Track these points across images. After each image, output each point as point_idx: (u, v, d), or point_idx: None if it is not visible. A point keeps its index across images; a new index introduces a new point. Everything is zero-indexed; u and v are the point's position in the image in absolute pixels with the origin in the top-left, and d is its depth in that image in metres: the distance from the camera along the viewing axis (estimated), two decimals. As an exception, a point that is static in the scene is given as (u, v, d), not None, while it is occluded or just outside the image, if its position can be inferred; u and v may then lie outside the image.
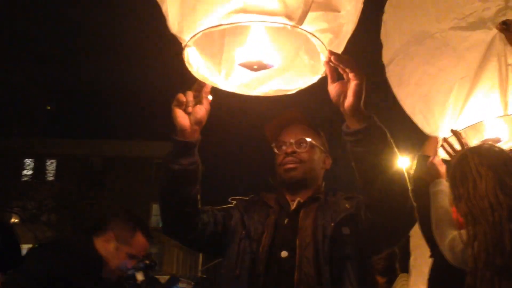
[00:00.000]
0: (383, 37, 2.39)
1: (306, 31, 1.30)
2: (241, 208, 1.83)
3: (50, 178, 29.68)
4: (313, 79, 1.46)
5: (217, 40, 1.46)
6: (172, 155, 1.60)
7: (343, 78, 1.43)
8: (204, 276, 21.79)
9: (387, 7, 2.35)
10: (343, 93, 1.42)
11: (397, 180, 1.50)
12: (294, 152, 1.82)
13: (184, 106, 1.55)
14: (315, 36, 1.32)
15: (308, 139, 1.84)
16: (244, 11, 1.23)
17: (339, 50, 1.43)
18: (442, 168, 2.25)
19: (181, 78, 1.62)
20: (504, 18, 2.05)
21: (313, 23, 1.30)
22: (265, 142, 1.96)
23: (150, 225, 31.76)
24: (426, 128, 2.37)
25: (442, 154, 2.30)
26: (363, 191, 1.58)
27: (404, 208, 1.52)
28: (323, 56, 1.37)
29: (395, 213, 1.52)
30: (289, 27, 1.26)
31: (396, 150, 1.49)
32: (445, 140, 2.26)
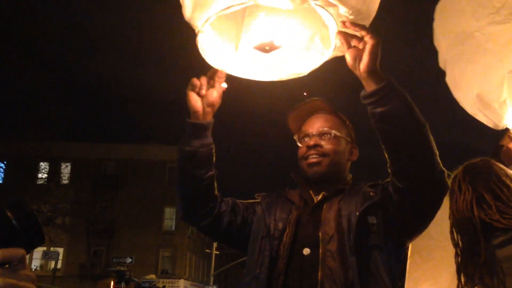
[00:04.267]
0: (435, 43, 2.37)
1: (315, 7, 1.34)
2: (264, 204, 1.77)
3: (65, 182, 30.00)
4: (325, 56, 1.51)
5: (232, 24, 1.49)
6: (184, 137, 1.65)
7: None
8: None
9: (435, 14, 2.33)
10: (359, 57, 1.41)
11: (422, 140, 1.42)
12: (317, 145, 1.72)
13: (197, 89, 1.61)
14: (324, 8, 1.35)
15: (332, 131, 1.74)
16: None
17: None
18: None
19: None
20: None
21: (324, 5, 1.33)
22: (289, 133, 1.87)
23: (162, 228, 31.97)
24: (491, 124, 2.31)
25: None
26: (389, 157, 1.49)
27: (433, 172, 1.44)
28: (335, 27, 1.41)
29: (424, 177, 1.45)
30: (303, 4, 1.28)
31: (418, 110, 1.43)
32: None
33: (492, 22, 2.09)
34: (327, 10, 1.35)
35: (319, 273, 1.51)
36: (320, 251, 1.54)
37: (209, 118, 1.66)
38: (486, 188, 1.88)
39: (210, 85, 1.62)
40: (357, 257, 1.50)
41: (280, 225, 1.66)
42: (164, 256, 30.92)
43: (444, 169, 1.46)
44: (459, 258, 1.90)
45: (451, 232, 1.96)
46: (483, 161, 2.01)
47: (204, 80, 1.61)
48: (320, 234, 1.57)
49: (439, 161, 1.44)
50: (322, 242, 1.56)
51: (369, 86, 1.42)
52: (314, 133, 1.75)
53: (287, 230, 1.63)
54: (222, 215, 1.72)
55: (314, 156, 1.72)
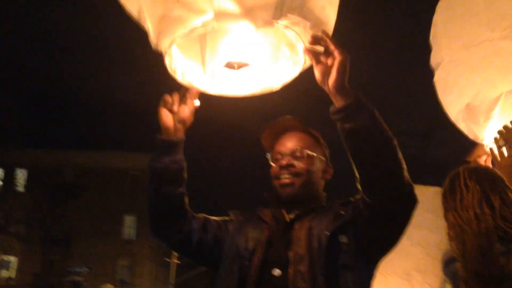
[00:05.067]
0: (432, 39, 2.27)
1: (281, 27, 1.40)
2: (236, 223, 1.75)
3: (20, 189, 29.01)
4: (295, 71, 1.55)
5: (199, 44, 1.56)
6: (155, 154, 1.68)
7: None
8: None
9: (438, 8, 2.23)
10: (327, 72, 1.42)
11: (390, 156, 1.43)
12: (289, 164, 1.70)
13: (169, 106, 1.66)
14: (289, 28, 1.41)
15: (305, 150, 1.72)
16: (215, 19, 1.36)
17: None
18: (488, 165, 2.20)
19: (161, 88, 1.72)
20: None
21: (289, 18, 1.39)
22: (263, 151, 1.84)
23: (121, 237, 31.21)
24: (472, 135, 2.27)
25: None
26: (358, 173, 1.49)
27: (402, 187, 1.45)
28: (302, 45, 1.46)
29: (393, 193, 1.45)
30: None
31: (386, 126, 1.44)
32: (490, 148, 2.18)
33: (508, 36, 1.98)
34: (292, 29, 1.41)
35: None
36: (291, 272, 1.51)
37: (180, 135, 1.68)
38: (494, 190, 1.83)
39: (182, 102, 1.66)
40: (327, 278, 1.49)
41: (251, 245, 1.62)
42: (122, 265, 30.26)
43: (412, 183, 1.47)
44: (467, 259, 1.79)
45: (450, 235, 1.89)
46: (486, 167, 1.99)
47: (176, 96, 1.65)
48: (290, 254, 1.55)
49: (408, 175, 1.46)
50: (292, 263, 1.53)
51: (338, 102, 1.43)
52: (287, 152, 1.72)
53: (258, 250, 1.60)
54: (193, 232, 1.71)
55: (287, 176, 1.69)
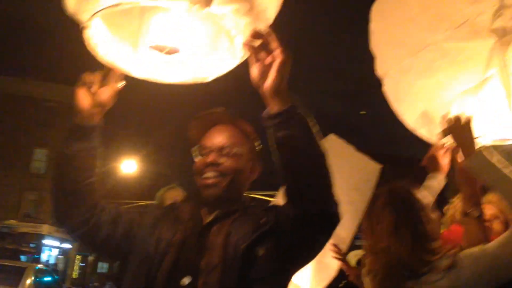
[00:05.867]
0: (373, 48, 2.18)
1: (217, 14, 1.27)
2: (152, 218, 1.61)
3: None
4: (232, 64, 1.45)
5: (128, 20, 1.41)
6: (65, 137, 1.52)
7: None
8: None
9: (373, 15, 2.14)
10: (265, 72, 1.30)
11: (319, 171, 1.37)
12: (215, 162, 1.57)
13: (88, 86, 1.48)
14: (226, 16, 1.29)
15: (234, 147, 1.60)
16: None
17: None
18: (444, 161, 2.19)
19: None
20: (500, 22, 1.85)
21: (225, 5, 1.27)
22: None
23: (30, 170, 29.78)
24: (433, 139, 2.21)
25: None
26: (285, 183, 1.41)
27: (327, 204, 1.40)
28: (242, 38, 1.34)
29: (317, 208, 1.39)
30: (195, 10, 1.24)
31: (321, 136, 1.37)
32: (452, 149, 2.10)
33: (451, 37, 1.93)
34: (231, 19, 1.29)
35: None
36: (200, 282, 1.41)
37: (97, 120, 1.51)
38: (408, 221, 1.80)
39: (104, 83, 1.48)
40: None
41: (162, 246, 1.49)
42: (29, 199, 29.06)
43: (337, 201, 1.42)
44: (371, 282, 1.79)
45: (363, 262, 1.88)
46: (406, 190, 1.92)
47: (97, 76, 1.48)
48: (202, 263, 1.44)
49: (334, 193, 1.41)
50: (203, 272, 1.42)
51: (272, 107, 1.33)
52: (213, 148, 1.60)
53: (168, 254, 1.47)
54: (100, 226, 1.55)
55: (211, 175, 1.57)
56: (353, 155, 3.05)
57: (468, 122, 1.85)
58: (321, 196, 1.38)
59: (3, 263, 10.30)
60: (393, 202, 1.85)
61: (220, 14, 1.28)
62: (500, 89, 1.92)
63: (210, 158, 1.58)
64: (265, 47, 1.30)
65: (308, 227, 1.42)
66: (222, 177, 1.56)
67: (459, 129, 1.85)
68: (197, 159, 1.62)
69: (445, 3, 1.97)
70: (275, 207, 1.57)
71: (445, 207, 2.66)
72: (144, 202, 16.84)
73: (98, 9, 1.24)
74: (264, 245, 1.46)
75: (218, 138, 1.62)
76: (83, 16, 1.29)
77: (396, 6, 2.08)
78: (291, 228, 1.44)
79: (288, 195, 1.43)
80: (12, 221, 18.81)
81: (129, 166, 20.29)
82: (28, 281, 9.38)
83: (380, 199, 1.88)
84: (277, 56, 1.28)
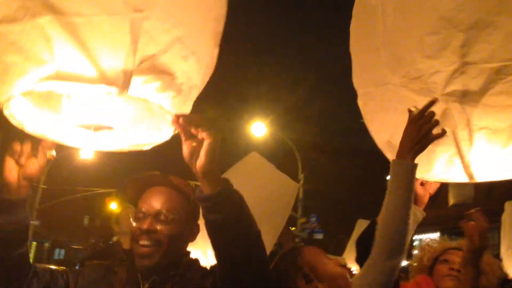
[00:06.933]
0: (352, 60, 2.07)
1: (135, 97, 1.23)
2: (87, 283, 1.57)
3: None
4: (168, 134, 1.41)
5: (56, 101, 1.35)
6: None
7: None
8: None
9: (351, 34, 2.04)
10: (196, 153, 1.30)
11: (252, 250, 1.36)
12: (150, 230, 1.54)
13: (16, 157, 1.39)
14: (147, 101, 1.26)
15: (170, 214, 1.57)
16: (57, 77, 1.15)
17: (186, 105, 1.39)
18: (422, 192, 2.10)
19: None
20: (455, 85, 1.67)
21: (146, 84, 1.23)
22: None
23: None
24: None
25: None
26: (216, 258, 1.41)
27: (261, 280, 1.39)
28: (169, 117, 1.31)
29: (250, 283, 1.39)
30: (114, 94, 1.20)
31: (253, 218, 1.37)
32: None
33: (406, 85, 1.79)
34: (155, 95, 1.24)
35: None
36: None
37: (24, 193, 1.43)
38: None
39: (33, 154, 1.40)
40: None
41: None
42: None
43: (269, 277, 1.43)
44: None
45: None
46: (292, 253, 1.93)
47: (26, 147, 1.39)
48: None
49: (269, 267, 1.42)
50: None
51: (204, 189, 1.32)
52: (150, 213, 1.57)
53: None
54: None
55: (146, 243, 1.54)
56: (274, 172, 3.28)
57: (430, 127, 1.71)
58: (255, 274, 1.38)
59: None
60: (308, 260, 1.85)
61: (142, 95, 1.23)
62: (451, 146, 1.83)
63: (146, 225, 1.54)
64: (194, 127, 1.28)
65: None
66: (157, 246, 1.53)
67: (417, 126, 1.71)
68: (134, 223, 1.58)
69: (404, 47, 1.78)
70: (213, 273, 1.53)
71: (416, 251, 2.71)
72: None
73: (10, 94, 1.20)
74: None
75: (154, 202, 1.58)
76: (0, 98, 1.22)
77: (368, 34, 1.93)
78: None
79: (221, 273, 1.42)
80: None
81: (259, 129, 20.01)
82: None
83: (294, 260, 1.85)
84: (205, 138, 1.26)
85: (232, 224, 1.32)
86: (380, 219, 1.63)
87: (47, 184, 24.32)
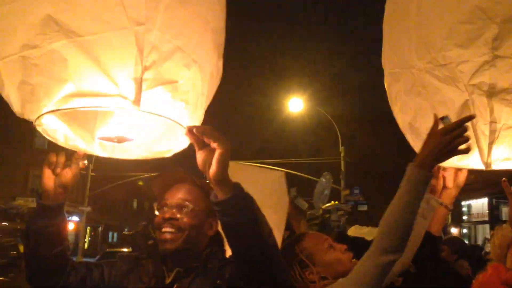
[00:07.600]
0: (383, 38, 2.06)
1: (147, 112, 1.35)
2: (118, 273, 1.74)
3: None
4: (185, 143, 1.56)
5: (80, 113, 1.49)
6: (33, 214, 1.66)
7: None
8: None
9: (386, 11, 2.03)
10: (208, 161, 1.39)
11: (265, 251, 1.44)
12: (172, 218, 1.68)
13: (53, 167, 1.59)
14: (157, 115, 1.37)
15: (191, 204, 1.70)
16: (78, 95, 1.28)
17: (197, 115, 1.52)
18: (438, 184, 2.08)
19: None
20: (482, 77, 1.64)
21: (156, 96, 1.36)
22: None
23: (34, 146, 29.91)
24: (416, 149, 2.04)
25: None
26: (234, 257, 1.53)
27: (275, 277, 1.48)
28: (182, 129, 1.43)
29: (265, 283, 1.47)
30: (127, 109, 1.32)
31: (264, 217, 1.45)
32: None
33: (431, 72, 1.77)
34: (168, 106, 1.37)
35: None
36: None
37: (60, 199, 1.64)
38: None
39: (67, 164, 1.60)
40: None
41: None
42: (35, 175, 29.45)
43: (286, 272, 1.53)
44: None
45: None
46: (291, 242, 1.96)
47: (61, 158, 1.59)
48: None
49: (283, 266, 1.50)
50: None
51: (218, 194, 1.41)
52: (172, 204, 1.71)
53: None
54: (68, 286, 1.70)
55: (168, 230, 1.66)
56: (258, 170, 3.41)
57: (460, 142, 1.65)
58: (268, 270, 1.46)
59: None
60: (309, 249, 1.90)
61: (155, 109, 1.35)
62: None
63: (168, 214, 1.69)
64: (206, 138, 1.38)
65: None
66: (179, 233, 1.66)
67: (447, 139, 1.65)
68: (157, 213, 1.73)
69: (434, 32, 1.75)
70: (231, 263, 1.64)
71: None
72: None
73: (41, 113, 1.34)
74: None
75: (177, 195, 1.73)
76: (31, 116, 1.38)
77: (402, 16, 1.91)
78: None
79: (238, 269, 1.54)
80: (20, 201, 19.15)
81: (296, 104, 20.71)
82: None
83: (296, 248, 1.89)
84: (217, 148, 1.36)
85: (244, 224, 1.41)
86: (384, 217, 1.64)
87: (96, 172, 25.34)
